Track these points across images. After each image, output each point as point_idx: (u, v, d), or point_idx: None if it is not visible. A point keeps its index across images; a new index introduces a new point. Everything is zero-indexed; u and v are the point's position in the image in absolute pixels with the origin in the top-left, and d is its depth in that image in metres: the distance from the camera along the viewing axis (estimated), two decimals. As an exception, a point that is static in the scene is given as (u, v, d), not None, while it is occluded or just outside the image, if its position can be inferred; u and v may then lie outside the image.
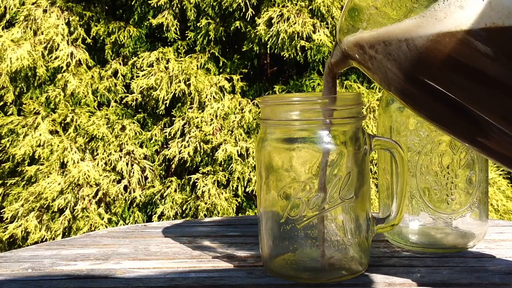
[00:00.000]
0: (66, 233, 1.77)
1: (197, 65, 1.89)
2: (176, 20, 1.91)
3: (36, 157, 1.81)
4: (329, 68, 0.40)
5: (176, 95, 1.84)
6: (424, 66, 0.26)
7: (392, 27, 0.28)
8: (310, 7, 1.86)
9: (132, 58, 1.93)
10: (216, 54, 1.93)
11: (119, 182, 1.84)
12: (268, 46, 1.84)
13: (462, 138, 0.27)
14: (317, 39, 1.81)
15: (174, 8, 1.91)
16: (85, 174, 1.76)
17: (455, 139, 0.29)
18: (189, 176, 1.85)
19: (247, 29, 1.89)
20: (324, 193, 0.42)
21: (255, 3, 1.87)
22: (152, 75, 1.85)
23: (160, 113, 1.88)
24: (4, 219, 1.82)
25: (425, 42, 0.25)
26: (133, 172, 1.83)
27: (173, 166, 1.87)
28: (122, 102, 1.93)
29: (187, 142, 1.83)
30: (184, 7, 1.90)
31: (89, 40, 1.93)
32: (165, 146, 1.92)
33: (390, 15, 0.29)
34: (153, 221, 1.73)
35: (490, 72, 0.23)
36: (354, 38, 0.32)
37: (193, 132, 1.82)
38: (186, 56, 1.92)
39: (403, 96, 0.29)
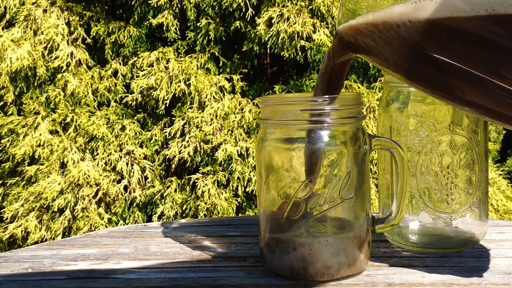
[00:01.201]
0: (66, 233, 1.77)
1: (197, 65, 1.89)
2: (176, 20, 1.91)
3: (36, 157, 1.81)
4: (328, 57, 0.40)
5: (176, 95, 1.84)
6: (423, 44, 0.27)
7: (390, 9, 0.28)
8: (310, 7, 1.86)
9: (132, 58, 1.93)
10: (216, 54, 1.93)
11: (119, 182, 1.84)
12: (268, 46, 1.84)
13: (461, 103, 0.28)
14: (317, 39, 1.81)
15: (174, 8, 1.91)
16: (85, 174, 1.76)
17: (456, 106, 0.30)
18: (189, 176, 1.85)
19: (247, 29, 1.89)
20: (321, 193, 0.42)
21: (255, 3, 1.87)
22: (152, 75, 1.85)
23: (160, 113, 1.88)
24: (4, 219, 1.82)
25: (423, 24, 0.26)
26: (133, 172, 1.83)
27: (173, 166, 1.87)
28: (122, 102, 1.93)
29: (187, 142, 1.83)
30: (184, 7, 1.90)
31: (89, 40, 1.93)
32: (165, 146, 1.92)
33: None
34: (153, 221, 1.73)
35: (479, 58, 0.24)
36: (354, 22, 0.33)
37: (193, 132, 1.82)
38: (186, 56, 1.92)
39: (405, 73, 0.30)
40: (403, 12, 0.27)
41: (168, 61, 1.88)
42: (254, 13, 1.87)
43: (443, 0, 0.24)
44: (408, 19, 0.27)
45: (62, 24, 1.89)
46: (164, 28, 1.90)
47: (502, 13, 0.22)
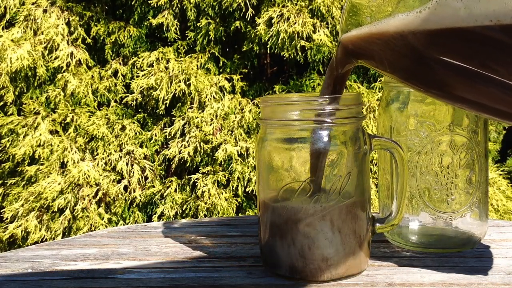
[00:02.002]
0: (66, 233, 1.77)
1: (197, 65, 1.89)
2: (176, 20, 1.91)
3: (36, 157, 1.81)
4: (331, 69, 0.40)
5: (176, 95, 1.84)
6: (428, 51, 0.27)
7: (394, 19, 0.29)
8: (310, 7, 1.86)
9: (132, 58, 1.93)
10: (216, 54, 1.93)
11: (119, 182, 1.84)
12: (268, 46, 1.84)
13: (459, 101, 0.29)
14: (317, 39, 1.81)
15: (174, 8, 1.90)
16: (85, 174, 1.76)
17: (454, 104, 0.31)
18: (189, 176, 1.85)
19: (247, 29, 1.89)
20: (321, 193, 0.42)
21: (255, 3, 1.87)
22: (152, 75, 1.85)
23: (160, 113, 1.88)
24: (4, 219, 1.82)
25: (428, 33, 0.26)
26: (133, 172, 1.83)
27: (173, 166, 1.87)
28: (122, 102, 1.93)
29: (187, 142, 1.83)
30: (184, 7, 1.90)
31: (89, 40, 1.93)
32: (165, 146, 1.92)
33: (393, 5, 0.29)
34: (153, 221, 1.73)
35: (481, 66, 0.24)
36: (358, 32, 0.33)
37: (193, 132, 1.81)
38: (186, 56, 1.92)
39: (408, 76, 0.31)
40: (408, 22, 0.27)
41: (168, 61, 1.88)
42: (254, 13, 1.87)
43: (447, 12, 0.25)
44: (413, 29, 0.27)
45: (62, 24, 1.89)
46: (164, 28, 1.90)
47: (508, 23, 0.22)
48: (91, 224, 1.76)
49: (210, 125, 1.82)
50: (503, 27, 0.22)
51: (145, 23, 1.95)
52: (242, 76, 1.94)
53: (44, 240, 1.76)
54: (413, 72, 0.30)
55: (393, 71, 0.32)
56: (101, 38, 1.94)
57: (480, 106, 0.28)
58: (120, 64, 1.94)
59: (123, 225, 1.81)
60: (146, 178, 1.87)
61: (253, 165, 1.79)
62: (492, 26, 0.23)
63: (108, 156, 1.82)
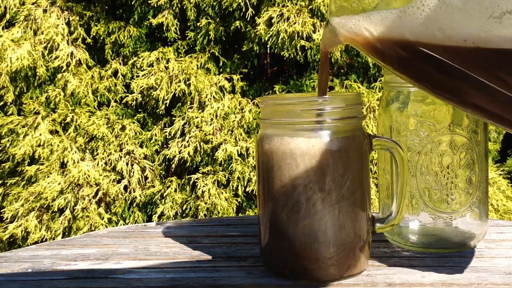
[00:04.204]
0: (66, 233, 1.77)
1: (197, 65, 1.89)
2: (176, 20, 1.91)
3: (36, 157, 1.81)
4: (324, 53, 0.41)
5: (176, 95, 1.84)
6: (407, 54, 0.28)
7: (378, 16, 0.29)
8: (310, 6, 1.86)
9: (132, 58, 1.93)
10: (216, 54, 1.93)
11: (119, 182, 1.84)
12: (268, 46, 1.84)
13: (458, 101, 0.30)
14: (317, 38, 1.81)
15: (174, 8, 1.91)
16: (85, 174, 1.76)
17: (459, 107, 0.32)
18: (189, 176, 1.85)
19: (247, 29, 1.89)
20: (321, 193, 0.42)
21: (255, 3, 1.87)
22: (152, 75, 1.85)
23: (160, 113, 1.88)
24: (4, 219, 1.82)
25: (407, 42, 0.27)
26: (133, 172, 1.83)
27: (173, 166, 1.87)
28: (122, 102, 1.93)
29: (187, 142, 1.83)
30: (184, 7, 1.90)
31: (89, 40, 1.93)
32: (165, 146, 1.92)
33: None
34: (153, 221, 1.73)
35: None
36: (343, 20, 0.34)
37: (193, 132, 1.82)
38: (186, 56, 1.92)
39: (401, 67, 0.32)
40: (388, 24, 0.28)
41: (168, 61, 1.88)
42: (254, 13, 1.87)
43: (428, 30, 0.25)
44: (391, 36, 0.28)
45: (62, 24, 1.89)
46: (164, 28, 1.90)
47: (483, 47, 0.23)
48: (91, 224, 1.76)
49: (210, 125, 1.82)
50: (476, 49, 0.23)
51: (145, 23, 1.95)
52: (242, 76, 1.94)
53: (44, 240, 1.76)
54: (394, 60, 0.31)
55: (375, 56, 0.33)
56: (101, 38, 1.94)
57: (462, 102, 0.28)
58: (120, 64, 1.94)
59: (123, 225, 1.81)
60: (146, 178, 1.87)
61: (253, 165, 1.79)
62: (466, 47, 0.24)
63: (108, 156, 1.82)
